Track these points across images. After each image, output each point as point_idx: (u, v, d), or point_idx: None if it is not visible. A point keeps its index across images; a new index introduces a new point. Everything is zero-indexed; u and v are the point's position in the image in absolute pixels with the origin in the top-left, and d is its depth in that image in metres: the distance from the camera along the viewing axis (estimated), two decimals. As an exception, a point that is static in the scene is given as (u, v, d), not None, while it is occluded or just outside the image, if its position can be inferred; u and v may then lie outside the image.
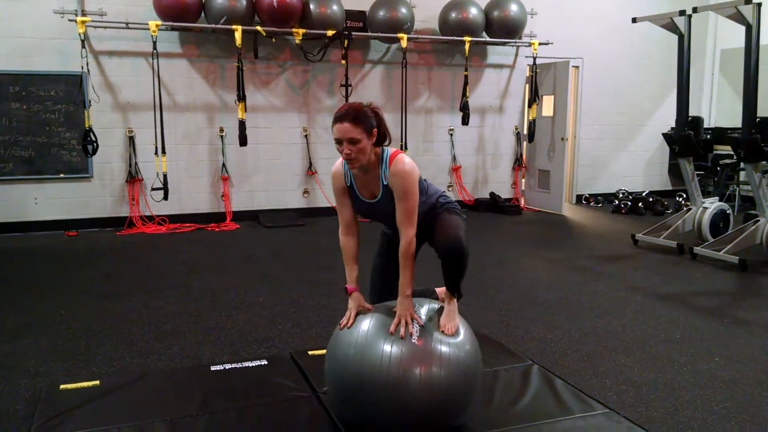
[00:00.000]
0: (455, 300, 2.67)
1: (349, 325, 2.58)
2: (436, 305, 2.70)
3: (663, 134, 6.72)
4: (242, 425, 2.71)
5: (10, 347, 3.64)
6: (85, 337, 3.81)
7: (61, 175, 6.96)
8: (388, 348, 2.42)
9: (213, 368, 3.29)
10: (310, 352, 3.44)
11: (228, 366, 3.31)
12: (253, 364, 3.33)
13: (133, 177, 7.17)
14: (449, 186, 8.66)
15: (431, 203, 2.76)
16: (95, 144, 6.70)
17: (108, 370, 3.33)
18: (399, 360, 2.39)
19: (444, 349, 2.47)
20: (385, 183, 2.58)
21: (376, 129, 2.54)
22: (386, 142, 2.64)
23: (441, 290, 2.96)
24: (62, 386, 3.05)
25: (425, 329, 2.50)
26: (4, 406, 2.92)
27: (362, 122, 2.48)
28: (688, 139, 6.21)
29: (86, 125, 6.63)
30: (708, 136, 9.15)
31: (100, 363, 3.43)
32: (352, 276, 2.74)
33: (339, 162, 2.71)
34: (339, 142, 2.50)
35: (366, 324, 2.55)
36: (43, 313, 4.23)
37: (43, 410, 2.80)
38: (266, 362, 3.36)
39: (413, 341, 2.44)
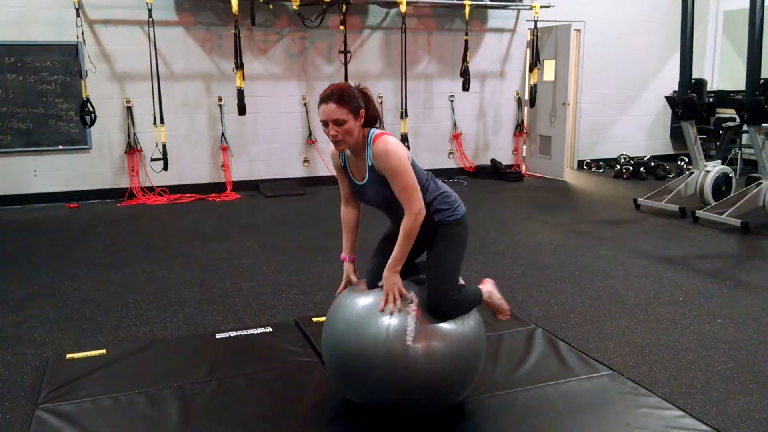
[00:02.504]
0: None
1: (338, 292, 2.64)
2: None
3: (666, 97, 6.66)
4: (250, 391, 2.74)
5: (15, 317, 3.66)
6: (90, 307, 3.83)
7: (60, 147, 6.92)
8: (384, 324, 2.31)
9: (218, 336, 3.31)
10: (314, 319, 3.47)
11: (233, 333, 3.33)
12: (258, 332, 3.35)
13: (132, 148, 7.12)
14: (450, 153, 8.62)
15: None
16: (93, 115, 6.64)
17: (114, 339, 3.35)
18: (396, 336, 2.29)
19: (445, 325, 2.37)
20: (370, 164, 2.45)
21: (363, 110, 2.41)
22: (376, 125, 2.50)
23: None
24: (69, 355, 3.07)
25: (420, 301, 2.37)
26: (11, 375, 2.95)
27: (348, 103, 2.36)
28: (691, 102, 6.16)
29: (83, 96, 6.56)
30: (711, 100, 9.07)
31: (106, 332, 3.45)
32: (346, 245, 2.71)
33: None
34: (325, 123, 2.38)
35: (360, 301, 2.43)
36: (48, 284, 4.25)
37: (51, 379, 2.82)
38: (271, 329, 3.39)
39: (410, 313, 2.32)
